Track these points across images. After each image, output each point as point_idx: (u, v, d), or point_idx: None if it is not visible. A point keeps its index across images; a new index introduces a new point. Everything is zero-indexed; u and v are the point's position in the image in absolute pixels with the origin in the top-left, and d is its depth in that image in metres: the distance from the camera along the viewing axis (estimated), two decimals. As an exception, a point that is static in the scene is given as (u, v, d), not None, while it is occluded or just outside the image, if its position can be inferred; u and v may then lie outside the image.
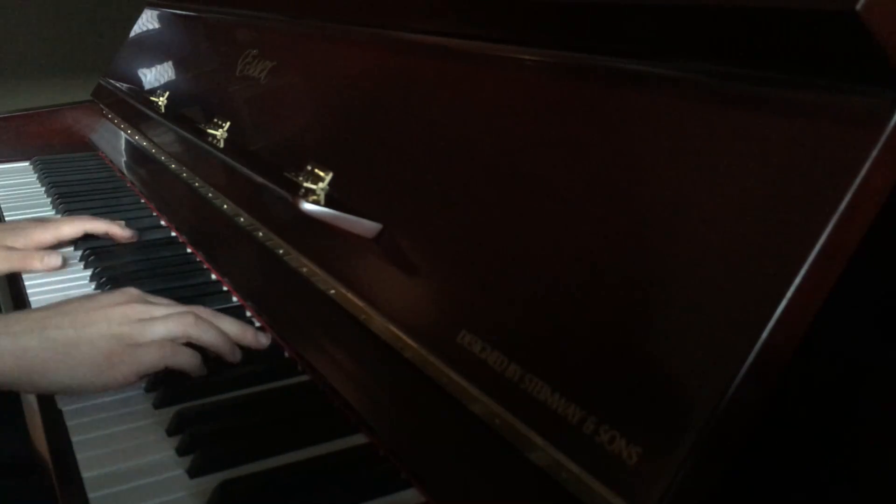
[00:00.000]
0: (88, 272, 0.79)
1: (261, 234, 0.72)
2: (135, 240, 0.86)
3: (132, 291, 0.60)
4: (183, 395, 0.56)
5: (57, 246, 0.84)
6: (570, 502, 0.37)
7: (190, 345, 0.58)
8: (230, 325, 0.60)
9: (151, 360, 0.55)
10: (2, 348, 0.52)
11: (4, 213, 1.02)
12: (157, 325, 0.56)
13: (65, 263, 0.81)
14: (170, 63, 1.13)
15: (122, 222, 0.87)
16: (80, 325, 0.54)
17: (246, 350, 0.61)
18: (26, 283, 0.78)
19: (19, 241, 0.82)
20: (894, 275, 0.35)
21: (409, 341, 0.49)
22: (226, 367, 0.59)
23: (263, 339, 0.62)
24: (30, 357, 0.52)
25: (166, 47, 1.19)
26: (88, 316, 0.55)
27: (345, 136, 0.67)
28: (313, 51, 0.80)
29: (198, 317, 0.58)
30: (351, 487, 0.46)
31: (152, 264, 0.80)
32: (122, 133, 1.21)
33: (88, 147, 1.32)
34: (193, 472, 0.48)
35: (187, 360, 0.56)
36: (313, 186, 0.61)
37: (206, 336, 0.58)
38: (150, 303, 0.59)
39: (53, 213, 1.01)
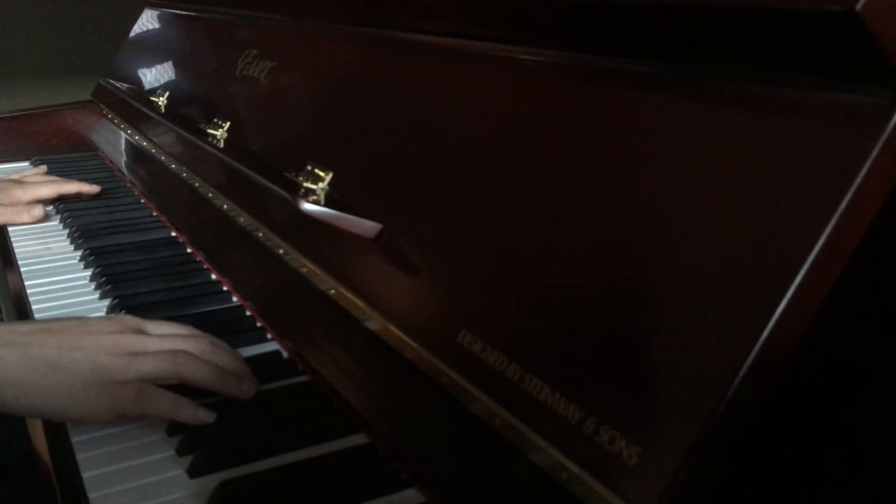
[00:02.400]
0: (88, 272, 0.80)
1: (261, 234, 0.72)
2: (96, 191, 1.03)
3: (128, 321, 0.56)
4: (182, 395, 0.56)
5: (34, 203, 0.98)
6: (570, 502, 0.37)
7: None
8: (230, 361, 0.56)
9: (128, 404, 0.50)
10: None
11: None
12: (145, 362, 0.51)
13: (47, 217, 0.98)
14: (170, 63, 1.13)
15: (90, 184, 1.04)
16: (66, 347, 0.50)
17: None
18: (26, 281, 0.78)
19: (2, 198, 0.97)
20: (894, 275, 0.35)
21: (409, 341, 0.49)
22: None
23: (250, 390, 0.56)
24: (7, 374, 0.48)
25: (166, 47, 1.19)
26: (76, 339, 0.51)
27: (345, 136, 0.67)
28: (313, 51, 0.80)
29: (189, 354, 0.53)
30: (351, 487, 0.47)
31: (152, 264, 0.80)
32: (122, 133, 1.21)
33: (88, 147, 1.32)
34: (193, 472, 0.48)
35: (164, 410, 0.52)
36: (313, 186, 0.61)
37: (198, 375, 0.53)
38: (146, 333, 0.55)
39: (54, 213, 1.01)
